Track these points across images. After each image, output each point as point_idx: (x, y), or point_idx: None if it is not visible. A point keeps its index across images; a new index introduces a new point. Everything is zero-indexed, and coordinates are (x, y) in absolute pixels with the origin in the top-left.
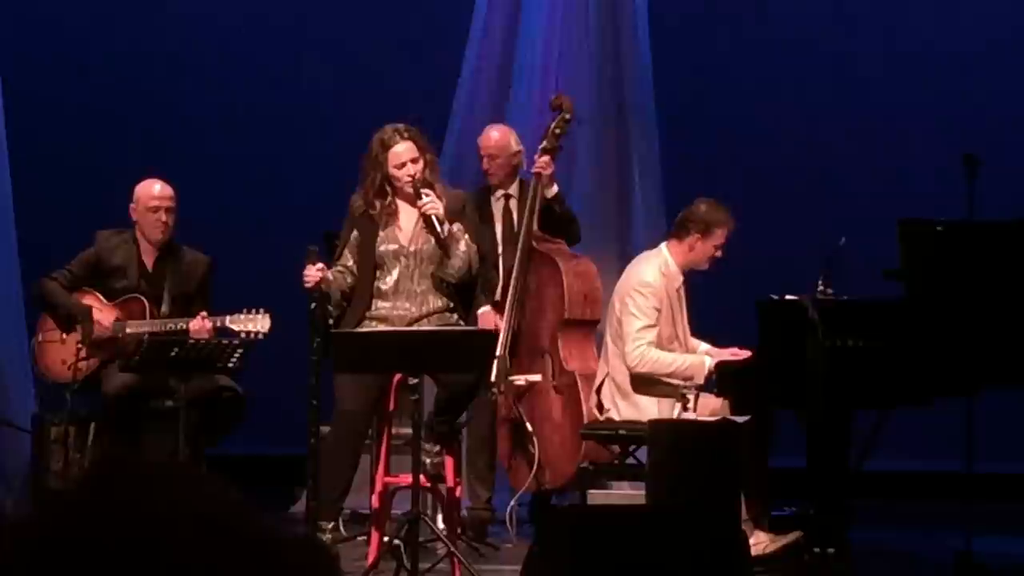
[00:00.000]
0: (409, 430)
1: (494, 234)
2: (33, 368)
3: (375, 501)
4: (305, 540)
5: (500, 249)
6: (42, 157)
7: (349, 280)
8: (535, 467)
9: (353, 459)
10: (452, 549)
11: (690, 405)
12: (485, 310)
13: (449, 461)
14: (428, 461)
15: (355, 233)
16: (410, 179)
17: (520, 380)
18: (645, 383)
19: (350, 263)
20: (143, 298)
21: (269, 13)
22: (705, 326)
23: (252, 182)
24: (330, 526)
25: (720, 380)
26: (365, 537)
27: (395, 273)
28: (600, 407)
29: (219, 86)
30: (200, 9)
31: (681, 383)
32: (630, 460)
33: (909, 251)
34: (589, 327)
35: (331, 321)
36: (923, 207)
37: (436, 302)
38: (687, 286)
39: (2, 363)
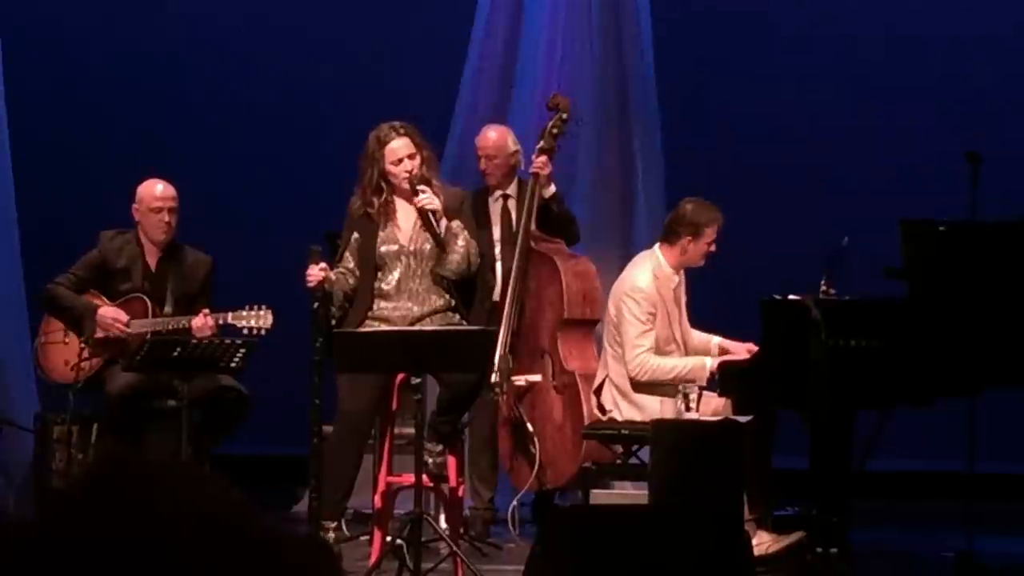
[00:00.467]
0: (412, 430)
1: (491, 235)
2: (36, 369)
3: (378, 501)
4: (307, 540)
5: (499, 250)
6: (43, 156)
7: (351, 281)
8: (536, 467)
9: (356, 459)
10: (454, 549)
11: (692, 405)
12: None
13: (452, 461)
14: (431, 461)
15: (355, 235)
16: (407, 175)
17: (520, 381)
18: (646, 384)
19: (351, 265)
20: (146, 298)
21: (270, 13)
22: (706, 325)
23: (254, 182)
24: (333, 526)
25: (722, 380)
26: (368, 537)
27: (396, 273)
28: (601, 409)
29: (221, 86)
30: (202, 9)
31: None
32: (633, 460)
33: (911, 251)
34: (588, 326)
35: (333, 321)
36: (925, 204)
37: (438, 301)
38: (687, 286)
39: (5, 363)
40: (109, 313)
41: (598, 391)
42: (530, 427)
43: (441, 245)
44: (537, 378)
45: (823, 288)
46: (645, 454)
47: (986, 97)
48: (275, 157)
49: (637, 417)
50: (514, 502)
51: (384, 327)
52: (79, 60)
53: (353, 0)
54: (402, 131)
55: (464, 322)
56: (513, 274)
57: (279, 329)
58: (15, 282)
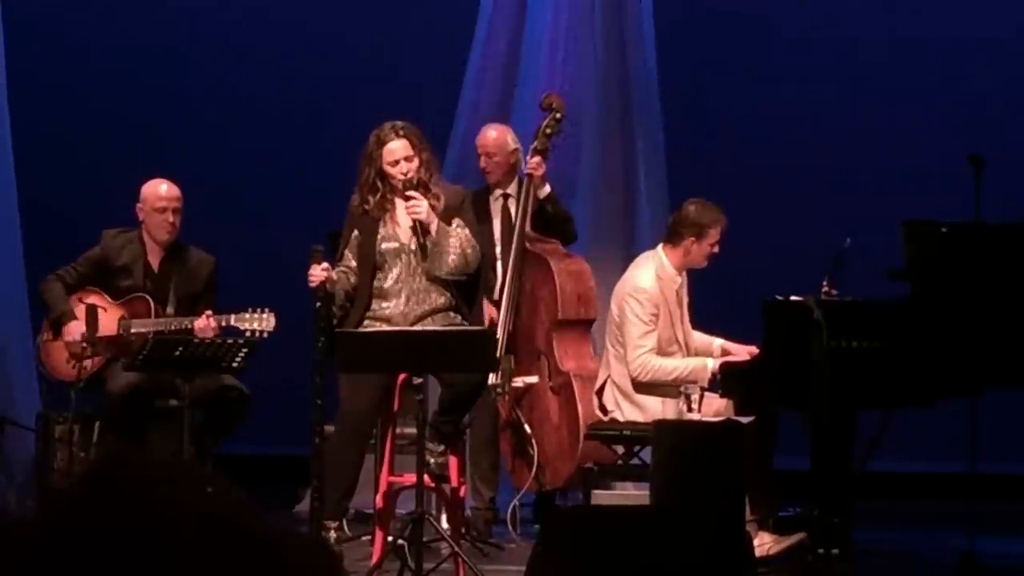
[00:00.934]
0: (413, 430)
1: (492, 233)
2: (38, 366)
3: (379, 501)
4: (308, 540)
5: (499, 249)
6: (44, 151)
7: (352, 280)
8: (534, 468)
9: (357, 459)
10: (456, 549)
11: (694, 406)
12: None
13: (453, 461)
14: (432, 461)
15: (355, 232)
16: (403, 177)
17: (518, 382)
18: (648, 384)
19: (352, 264)
20: (148, 298)
21: (271, 8)
22: (708, 325)
23: (255, 177)
24: (334, 526)
25: (724, 381)
26: (369, 537)
27: (396, 271)
28: (603, 409)
29: (221, 80)
30: (202, 4)
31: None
32: (634, 460)
33: (914, 252)
34: (584, 326)
35: (335, 321)
36: (927, 205)
37: (439, 299)
38: (689, 287)
39: (6, 361)
40: (76, 328)
41: (600, 392)
42: (528, 429)
43: (425, 252)
44: (534, 379)
45: (824, 289)
46: (647, 455)
47: (988, 99)
48: (276, 152)
49: (639, 418)
50: (514, 502)
51: (384, 327)
52: (80, 55)
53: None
54: (402, 132)
55: (465, 321)
56: (509, 275)
57: (281, 329)
58: (17, 280)
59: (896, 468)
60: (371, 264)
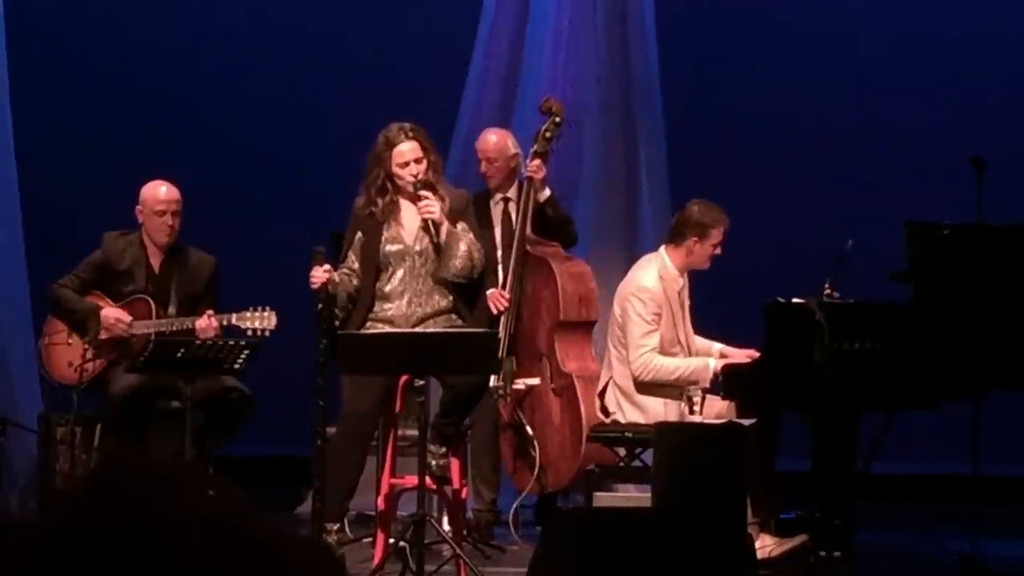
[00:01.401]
0: (415, 432)
1: (493, 237)
2: (40, 370)
3: (381, 503)
4: (309, 542)
5: (499, 252)
6: (45, 151)
7: (355, 282)
8: (536, 470)
9: (359, 460)
10: (457, 551)
11: (696, 408)
12: (490, 292)
13: (455, 463)
14: (434, 463)
15: (359, 234)
16: (412, 179)
17: (519, 384)
18: (649, 385)
19: (355, 265)
20: (149, 300)
21: (273, 8)
22: (709, 324)
23: (256, 177)
24: (336, 527)
25: (726, 383)
26: (371, 539)
27: (400, 273)
28: (604, 411)
29: (223, 80)
30: (204, 3)
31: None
32: (636, 462)
33: (915, 253)
34: (585, 328)
35: (337, 323)
36: (930, 201)
37: (441, 302)
38: (690, 287)
39: (8, 363)
40: (112, 314)
41: (602, 393)
42: (529, 431)
43: (439, 253)
44: (535, 381)
45: (826, 291)
46: (648, 456)
47: (990, 94)
48: (278, 152)
49: (640, 419)
50: (515, 504)
51: (386, 328)
52: (81, 55)
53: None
54: (411, 134)
55: (466, 324)
56: (510, 278)
57: (282, 330)
58: (19, 280)
59: (898, 470)
60: (374, 266)
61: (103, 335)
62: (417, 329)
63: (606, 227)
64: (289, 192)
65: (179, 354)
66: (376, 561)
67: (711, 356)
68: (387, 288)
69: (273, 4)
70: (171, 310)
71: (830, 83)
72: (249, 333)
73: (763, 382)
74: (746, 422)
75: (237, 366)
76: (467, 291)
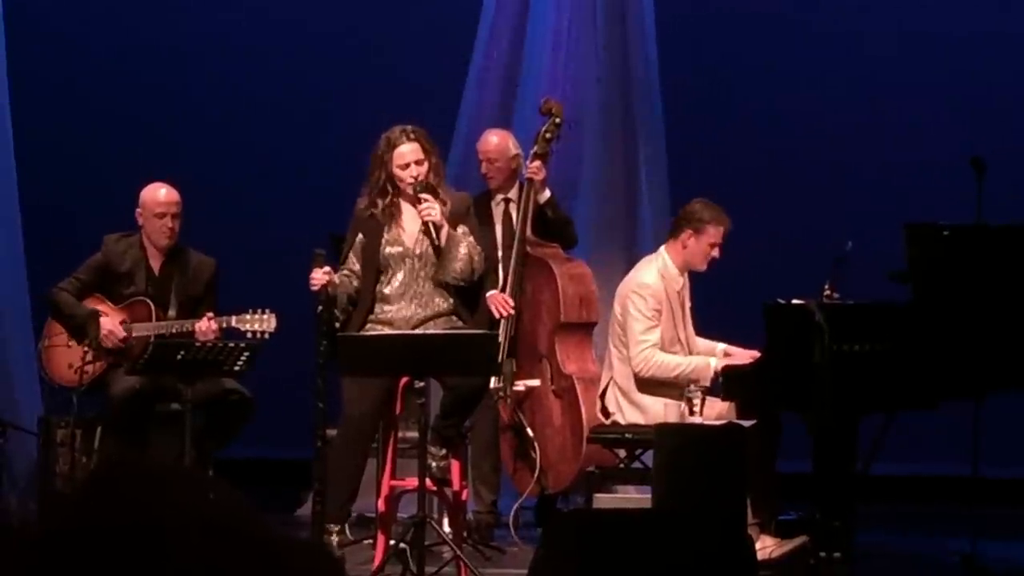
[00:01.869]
0: (415, 434)
1: (493, 238)
2: (39, 372)
3: (381, 505)
4: (309, 544)
5: (500, 253)
6: (45, 151)
7: (355, 284)
8: (537, 472)
9: (360, 462)
10: (458, 553)
11: (696, 409)
12: (492, 293)
13: (455, 465)
14: (434, 465)
15: (360, 236)
16: (412, 181)
17: (519, 386)
18: (650, 383)
19: (356, 267)
20: (149, 302)
21: (273, 8)
22: (710, 324)
23: (257, 178)
24: (336, 529)
25: (726, 384)
26: (371, 541)
27: (400, 275)
28: (604, 412)
29: (223, 80)
30: (204, 3)
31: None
32: (636, 464)
33: (915, 254)
34: (586, 329)
35: (337, 325)
36: (934, 201)
37: (442, 304)
38: (690, 288)
39: (8, 365)
40: (107, 325)
41: (603, 394)
42: (530, 432)
43: (440, 256)
44: (536, 383)
45: (826, 292)
46: (648, 458)
47: (996, 94)
48: (278, 152)
49: (640, 420)
50: (515, 506)
51: (386, 330)
52: (81, 55)
53: None
54: (413, 136)
55: (466, 326)
56: (510, 280)
57: (282, 332)
58: (19, 282)
59: (898, 471)
60: (375, 268)
61: (106, 331)
62: (417, 331)
63: (606, 228)
64: (289, 192)
65: (179, 356)
66: (376, 563)
67: (714, 356)
68: (387, 290)
69: (273, 4)
70: (171, 312)
71: (832, 83)
72: (249, 335)
73: (763, 383)
74: (746, 423)
75: (237, 368)
76: (467, 293)
